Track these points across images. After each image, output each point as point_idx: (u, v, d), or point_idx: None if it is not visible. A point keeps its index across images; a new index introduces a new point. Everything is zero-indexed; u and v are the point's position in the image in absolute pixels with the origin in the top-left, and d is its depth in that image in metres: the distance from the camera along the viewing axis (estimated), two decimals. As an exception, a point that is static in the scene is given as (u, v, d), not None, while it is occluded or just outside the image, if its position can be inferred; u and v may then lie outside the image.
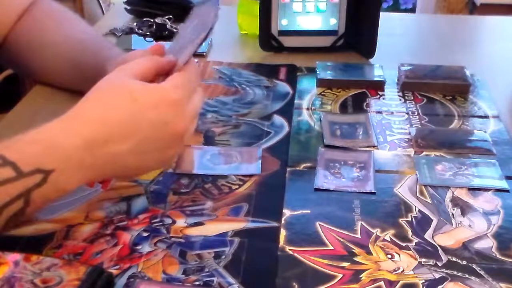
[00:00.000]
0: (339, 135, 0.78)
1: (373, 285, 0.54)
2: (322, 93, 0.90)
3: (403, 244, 0.59)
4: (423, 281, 0.55)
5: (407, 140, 0.78)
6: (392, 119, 0.83)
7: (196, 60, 0.99)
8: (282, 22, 1.02)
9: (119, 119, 0.56)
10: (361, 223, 0.62)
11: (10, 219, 0.52)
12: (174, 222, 0.62)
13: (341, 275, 0.55)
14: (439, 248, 0.59)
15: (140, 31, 1.10)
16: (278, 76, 0.95)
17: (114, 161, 0.56)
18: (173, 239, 0.60)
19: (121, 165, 0.57)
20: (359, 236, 0.60)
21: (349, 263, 0.57)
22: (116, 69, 0.59)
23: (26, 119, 0.82)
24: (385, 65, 0.96)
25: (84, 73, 0.78)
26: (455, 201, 0.66)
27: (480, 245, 0.59)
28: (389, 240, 0.60)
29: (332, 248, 0.59)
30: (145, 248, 0.58)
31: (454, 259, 0.58)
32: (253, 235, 0.60)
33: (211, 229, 0.61)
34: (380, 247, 0.59)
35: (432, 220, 0.63)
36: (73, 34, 0.83)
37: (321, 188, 0.68)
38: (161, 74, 0.60)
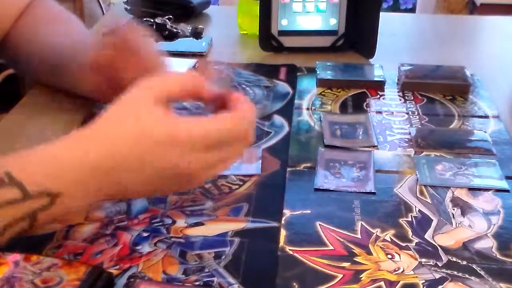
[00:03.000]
0: (339, 135, 0.78)
1: (373, 285, 0.54)
2: (322, 93, 0.90)
3: (403, 244, 0.59)
4: (423, 281, 0.55)
5: (407, 140, 0.78)
6: (392, 119, 0.83)
7: (196, 60, 0.99)
8: (282, 22, 1.02)
9: (125, 151, 0.52)
10: (361, 223, 0.62)
11: (13, 237, 0.52)
12: (174, 222, 0.62)
13: (341, 275, 0.55)
14: (439, 248, 0.59)
15: (140, 31, 1.10)
16: (278, 76, 0.95)
17: (123, 187, 0.54)
18: (173, 239, 0.59)
19: (131, 191, 0.55)
20: (359, 236, 0.60)
21: (349, 263, 0.57)
22: (143, 86, 0.54)
23: (26, 119, 0.82)
24: (385, 65, 0.96)
25: (60, 78, 0.79)
26: (455, 201, 0.66)
27: (480, 245, 0.59)
28: (389, 240, 0.60)
29: (332, 248, 0.59)
30: (145, 248, 0.58)
31: (454, 259, 0.58)
32: (253, 235, 0.60)
33: (211, 229, 0.61)
34: (380, 247, 0.59)
35: (432, 220, 0.63)
36: (53, 38, 0.81)
37: (321, 188, 0.68)
38: (194, 98, 0.56)
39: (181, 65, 0.96)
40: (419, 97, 0.89)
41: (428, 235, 0.61)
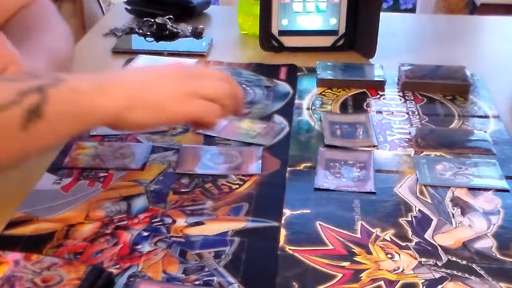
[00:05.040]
0: (339, 135, 0.78)
1: (373, 285, 0.54)
2: (322, 93, 0.90)
3: (403, 244, 0.59)
4: (423, 280, 0.55)
5: (407, 140, 0.78)
6: (392, 119, 0.83)
7: (196, 60, 0.99)
8: (282, 22, 1.02)
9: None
10: (361, 223, 0.62)
11: (27, 117, 0.53)
12: (174, 221, 0.62)
13: (341, 275, 0.55)
14: (439, 247, 0.59)
15: (141, 31, 1.10)
16: (279, 76, 0.95)
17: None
18: (173, 238, 0.60)
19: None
20: (359, 235, 0.60)
21: (349, 262, 0.57)
22: None
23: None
24: (385, 65, 0.96)
25: None
26: (455, 201, 0.66)
27: (480, 245, 0.59)
28: (389, 240, 0.60)
29: (332, 247, 0.59)
30: (145, 247, 0.58)
31: (454, 258, 0.58)
32: (253, 235, 0.60)
33: (211, 228, 0.61)
34: (380, 246, 0.59)
35: (432, 220, 0.63)
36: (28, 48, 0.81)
37: (321, 188, 0.68)
38: None
39: (181, 65, 0.96)
40: (419, 97, 0.89)
41: (428, 235, 0.61)
